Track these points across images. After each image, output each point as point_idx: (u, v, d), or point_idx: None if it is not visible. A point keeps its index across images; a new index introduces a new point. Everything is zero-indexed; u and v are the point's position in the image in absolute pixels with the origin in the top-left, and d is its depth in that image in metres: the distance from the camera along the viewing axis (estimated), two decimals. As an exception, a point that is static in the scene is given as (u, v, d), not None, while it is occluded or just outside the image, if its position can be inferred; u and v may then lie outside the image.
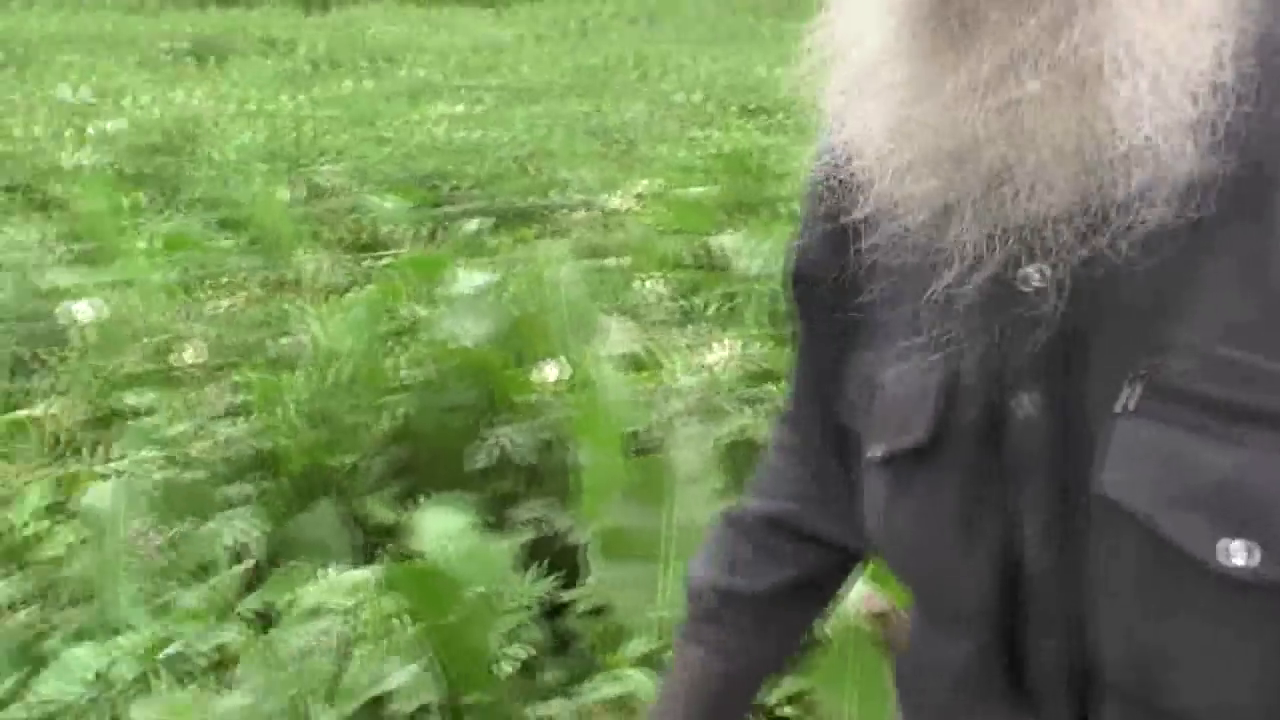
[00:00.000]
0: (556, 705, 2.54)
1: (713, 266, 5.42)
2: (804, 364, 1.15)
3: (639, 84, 12.09)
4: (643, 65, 13.39)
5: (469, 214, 6.39)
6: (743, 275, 5.10)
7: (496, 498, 3.38)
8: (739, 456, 3.30)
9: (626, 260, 5.31)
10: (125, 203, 6.32)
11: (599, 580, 2.85)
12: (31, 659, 2.80)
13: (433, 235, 6.07)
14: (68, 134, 7.98)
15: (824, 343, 1.07)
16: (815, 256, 1.05)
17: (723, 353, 3.98)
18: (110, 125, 8.11)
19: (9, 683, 2.68)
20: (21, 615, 2.97)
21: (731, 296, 4.96)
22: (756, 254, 5.25)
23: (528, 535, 3.17)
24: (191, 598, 2.81)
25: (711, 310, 4.85)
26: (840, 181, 0.94)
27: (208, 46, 15.19)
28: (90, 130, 7.99)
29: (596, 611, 2.89)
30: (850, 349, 1.03)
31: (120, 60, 13.77)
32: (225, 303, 4.55)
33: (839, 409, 1.06)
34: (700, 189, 6.54)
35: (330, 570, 2.71)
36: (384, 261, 5.27)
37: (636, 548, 2.83)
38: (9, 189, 6.88)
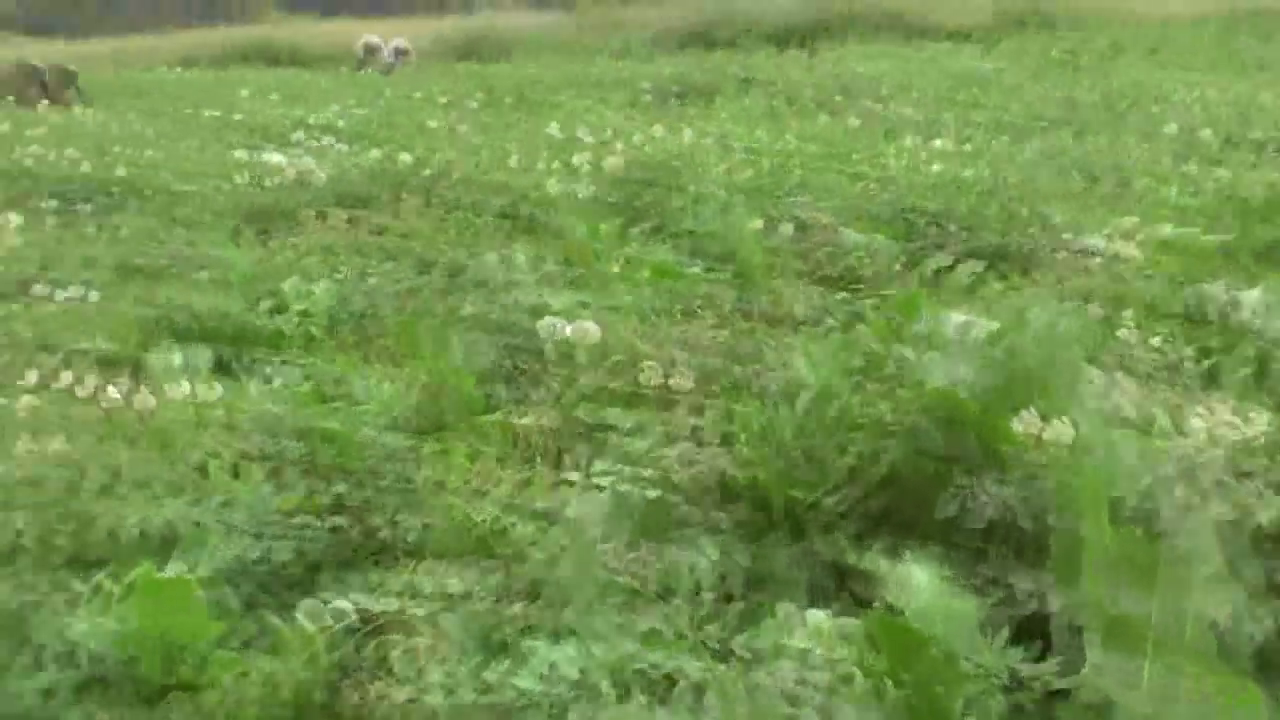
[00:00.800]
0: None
1: (1208, 317, 4.98)
2: None
3: (1130, 117, 11.46)
4: (1135, 97, 12.71)
5: (947, 250, 6.20)
6: (1245, 328, 4.64)
7: (969, 551, 3.18)
8: (1246, 539, 2.95)
9: (1113, 307, 4.95)
10: (607, 230, 6.56)
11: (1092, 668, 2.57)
12: (490, 646, 2.89)
13: (909, 270, 5.93)
14: (557, 166, 8.42)
15: None
16: None
17: (1224, 417, 3.60)
18: (596, 159, 8.49)
19: (470, 667, 2.77)
20: (482, 603, 3.09)
21: (1230, 350, 4.52)
22: (1263, 306, 4.77)
23: (998, 597, 2.96)
24: (656, 617, 2.78)
25: (1207, 366, 4.44)
26: None
27: (691, 88, 15.75)
28: (578, 163, 8.39)
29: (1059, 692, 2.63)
30: None
31: (609, 101, 14.49)
32: (700, 329, 4.58)
33: None
34: (1196, 229, 6.04)
35: (793, 607, 2.61)
36: (860, 297, 5.17)
37: (1121, 634, 2.54)
38: (507, 214, 7.31)
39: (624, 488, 3.29)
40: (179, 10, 39.84)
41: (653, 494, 3.29)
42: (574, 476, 3.59)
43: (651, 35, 25.32)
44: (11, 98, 17.12)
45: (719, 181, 7.67)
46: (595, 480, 3.39)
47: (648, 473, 3.38)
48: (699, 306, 5.13)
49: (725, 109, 13.47)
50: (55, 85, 17.29)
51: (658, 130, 10.45)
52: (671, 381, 3.85)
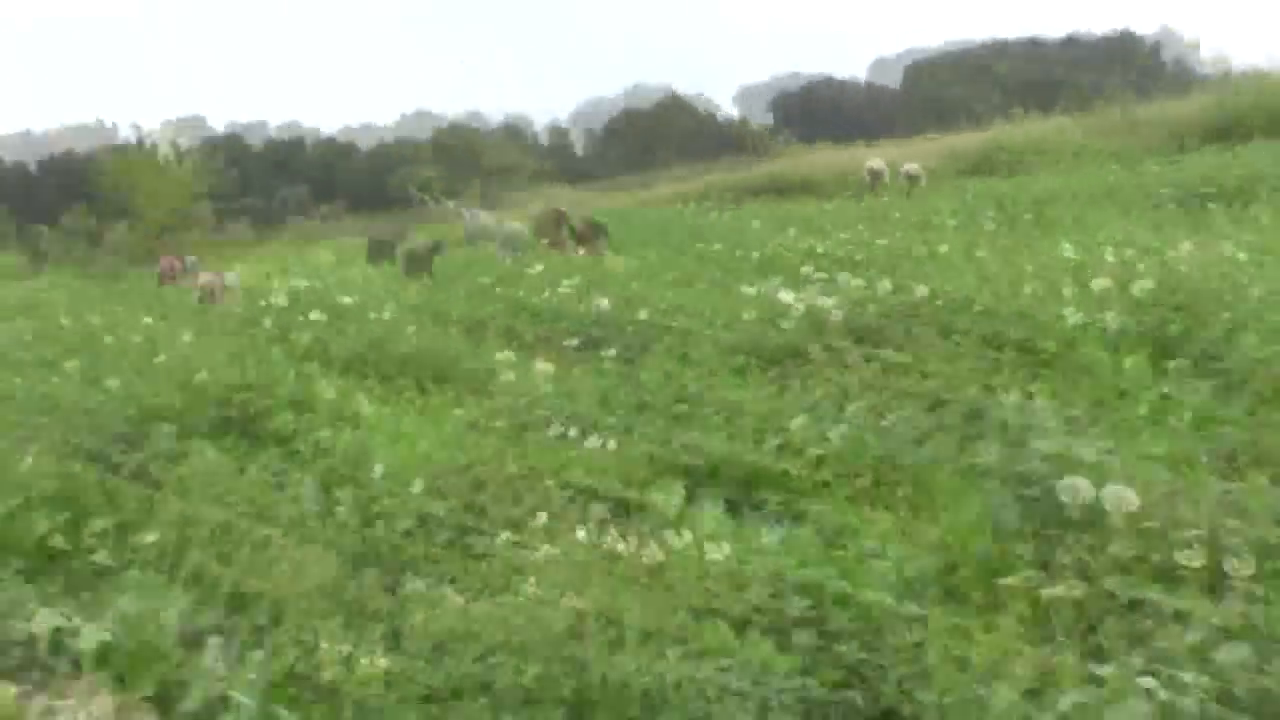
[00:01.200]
0: None
1: None
2: None
3: None
4: None
5: None
6: None
7: None
8: None
9: None
10: (1134, 365, 5.99)
11: None
12: None
13: None
14: (1077, 291, 7.82)
15: None
16: None
17: None
18: (1119, 282, 7.78)
19: None
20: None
21: None
22: None
23: None
24: None
25: None
26: None
27: (1220, 191, 14.49)
28: (1099, 288, 7.73)
29: None
30: None
31: (1129, 213, 13.58)
32: (1253, 490, 3.97)
33: None
34: None
35: None
36: None
37: None
38: (1025, 348, 6.83)
39: (1169, 696, 2.83)
40: (702, 151, 42.10)
41: (1210, 708, 2.80)
42: (1107, 670, 3.15)
43: (1169, 133, 23.75)
44: (545, 240, 18.50)
45: (1266, 304, 6.79)
46: (1134, 678, 2.94)
47: (1199, 677, 2.89)
48: (1251, 460, 4.49)
49: (1264, 214, 12.18)
50: (585, 231, 18.47)
51: (1185, 245, 9.51)
52: (1221, 559, 3.32)
